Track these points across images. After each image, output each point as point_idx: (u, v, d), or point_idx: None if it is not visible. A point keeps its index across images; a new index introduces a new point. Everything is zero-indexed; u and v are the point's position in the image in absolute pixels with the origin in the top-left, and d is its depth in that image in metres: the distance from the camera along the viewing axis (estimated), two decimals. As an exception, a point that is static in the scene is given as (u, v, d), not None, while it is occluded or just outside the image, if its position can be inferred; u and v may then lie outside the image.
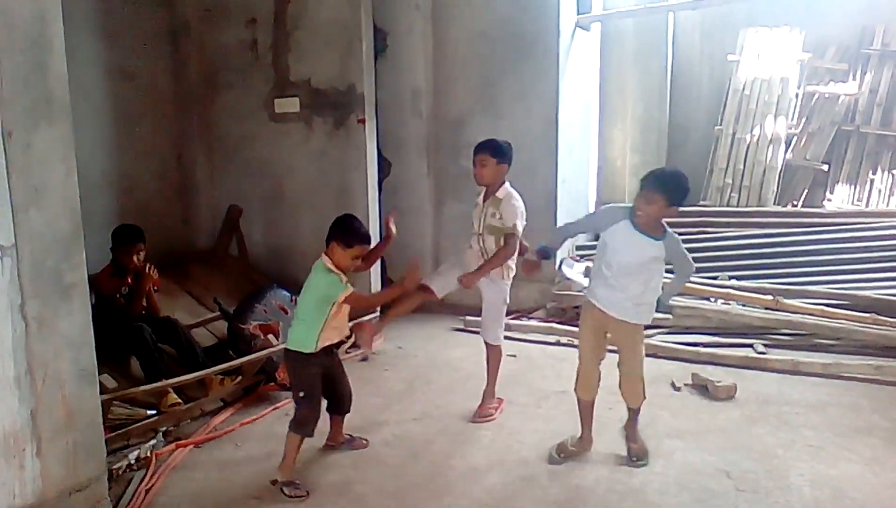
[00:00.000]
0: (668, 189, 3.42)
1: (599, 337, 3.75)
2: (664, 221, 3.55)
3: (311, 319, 3.52)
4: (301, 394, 3.58)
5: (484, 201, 4.16)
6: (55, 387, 2.94)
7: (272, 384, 4.80)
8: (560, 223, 6.61)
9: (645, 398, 3.82)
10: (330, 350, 3.69)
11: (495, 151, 4.08)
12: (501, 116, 6.59)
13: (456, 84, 6.76)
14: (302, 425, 3.55)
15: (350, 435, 3.98)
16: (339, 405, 3.89)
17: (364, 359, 5.56)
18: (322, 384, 3.66)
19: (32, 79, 2.82)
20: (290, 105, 6.04)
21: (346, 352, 5.59)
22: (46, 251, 2.90)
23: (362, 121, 5.79)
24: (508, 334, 4.86)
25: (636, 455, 3.77)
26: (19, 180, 2.77)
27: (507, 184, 4.14)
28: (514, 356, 5.31)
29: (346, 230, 3.55)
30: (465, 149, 6.72)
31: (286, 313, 5.14)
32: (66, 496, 3.01)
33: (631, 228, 3.51)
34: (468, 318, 6.09)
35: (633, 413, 3.88)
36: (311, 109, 5.99)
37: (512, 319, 5.85)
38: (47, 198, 2.89)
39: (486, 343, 4.37)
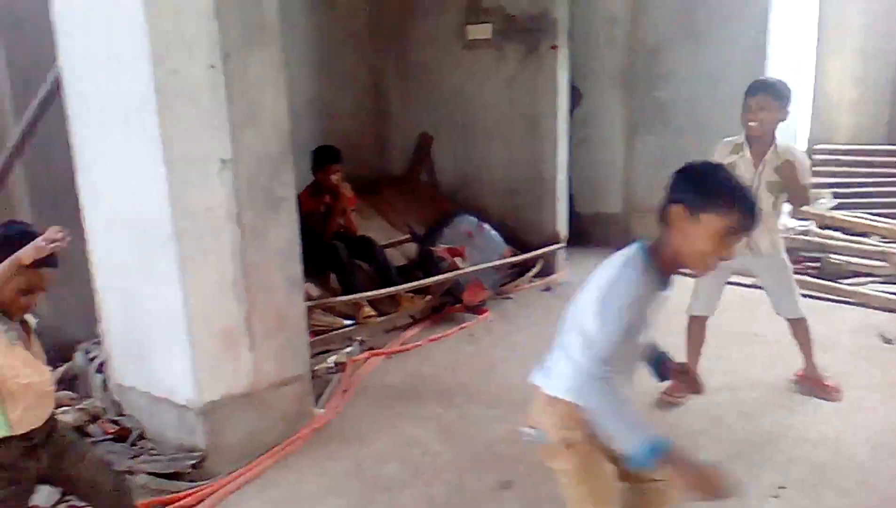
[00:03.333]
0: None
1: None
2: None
3: None
4: None
5: (754, 154, 3.48)
6: (266, 291, 3.23)
7: (458, 305, 4.97)
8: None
9: None
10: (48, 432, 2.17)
11: (777, 93, 3.41)
12: (703, 43, 6.16)
13: (654, 9, 6.39)
14: None
15: None
16: None
17: (547, 289, 5.59)
18: (67, 485, 2.34)
19: (247, 4, 3.02)
20: (483, 32, 6.02)
21: (530, 282, 5.65)
22: (259, 168, 3.15)
23: (555, 48, 5.67)
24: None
25: None
26: (237, 102, 3.01)
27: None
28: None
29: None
30: (662, 79, 6.41)
31: (472, 237, 5.28)
32: (275, 388, 3.33)
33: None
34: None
35: None
36: (504, 35, 5.93)
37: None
38: (260, 118, 3.12)
39: (789, 320, 3.73)
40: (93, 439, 3.27)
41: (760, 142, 3.44)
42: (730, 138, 3.53)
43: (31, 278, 2.03)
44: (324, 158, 4.87)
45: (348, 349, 4.26)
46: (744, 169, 3.40)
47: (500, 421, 3.51)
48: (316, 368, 3.91)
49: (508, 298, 5.37)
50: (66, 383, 3.69)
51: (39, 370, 2.14)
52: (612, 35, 6.54)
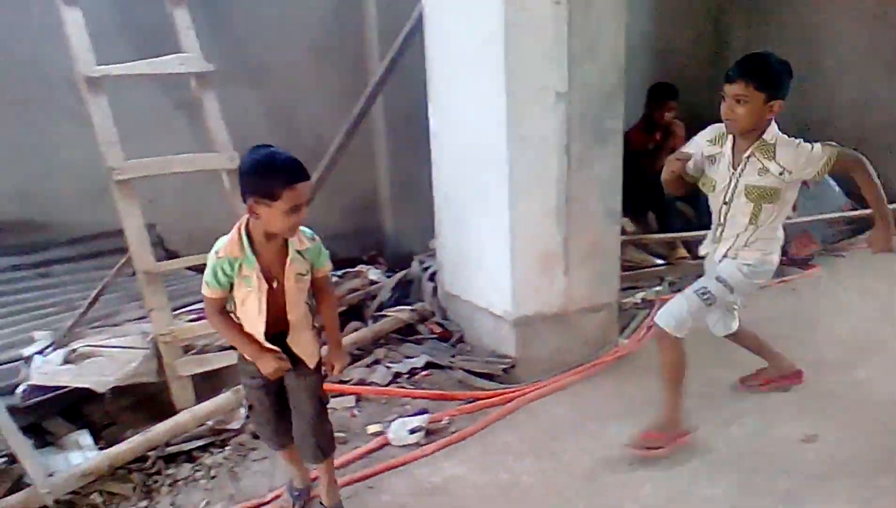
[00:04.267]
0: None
1: None
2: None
3: None
4: (248, 406, 2.67)
5: (735, 150, 2.78)
6: (585, 220, 3.39)
7: (782, 257, 4.70)
8: None
9: None
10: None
11: (762, 80, 2.60)
12: None
13: None
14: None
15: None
16: (295, 437, 2.50)
17: (891, 250, 5.01)
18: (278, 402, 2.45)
19: (596, -61, 3.10)
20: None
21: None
22: (591, 101, 3.26)
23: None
24: None
25: None
26: (577, 36, 3.13)
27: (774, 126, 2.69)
28: None
29: (258, 171, 2.07)
30: None
31: (807, 186, 4.87)
32: (584, 314, 3.52)
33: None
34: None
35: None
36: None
37: None
38: (598, 53, 3.22)
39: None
40: (420, 336, 3.79)
41: (745, 135, 2.70)
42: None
43: (292, 196, 2.04)
44: (661, 93, 4.84)
45: (657, 288, 4.30)
46: (723, 168, 2.81)
47: (813, 375, 3.34)
48: (623, 301, 4.02)
49: (841, 255, 4.93)
50: (402, 286, 4.24)
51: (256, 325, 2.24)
52: None
